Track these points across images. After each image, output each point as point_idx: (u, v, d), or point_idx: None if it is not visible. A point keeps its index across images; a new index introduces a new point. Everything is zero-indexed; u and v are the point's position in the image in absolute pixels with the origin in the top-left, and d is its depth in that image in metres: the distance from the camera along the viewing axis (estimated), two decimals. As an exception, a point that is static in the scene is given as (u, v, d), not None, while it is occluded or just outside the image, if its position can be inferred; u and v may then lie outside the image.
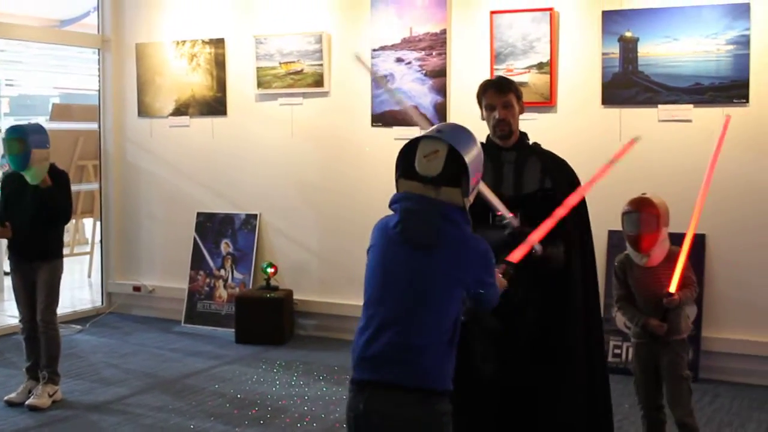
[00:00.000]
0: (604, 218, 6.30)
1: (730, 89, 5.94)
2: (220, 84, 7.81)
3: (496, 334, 3.81)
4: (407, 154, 2.89)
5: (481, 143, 4.00)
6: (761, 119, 5.91)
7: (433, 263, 2.82)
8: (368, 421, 2.82)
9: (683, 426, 4.32)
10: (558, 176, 3.86)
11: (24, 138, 5.52)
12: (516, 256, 3.42)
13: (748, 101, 5.91)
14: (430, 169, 2.83)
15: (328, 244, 7.42)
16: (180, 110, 8.03)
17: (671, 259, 4.31)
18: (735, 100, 5.93)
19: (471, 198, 2.91)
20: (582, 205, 3.96)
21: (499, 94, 3.85)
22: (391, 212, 2.94)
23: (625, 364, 6.16)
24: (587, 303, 4.01)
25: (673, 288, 4.23)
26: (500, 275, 3.22)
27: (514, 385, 3.82)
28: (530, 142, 3.97)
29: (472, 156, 2.91)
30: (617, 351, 6.25)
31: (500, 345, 3.82)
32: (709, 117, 6.02)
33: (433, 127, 2.97)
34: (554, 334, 3.89)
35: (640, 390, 4.45)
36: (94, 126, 8.65)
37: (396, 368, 2.78)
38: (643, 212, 4.27)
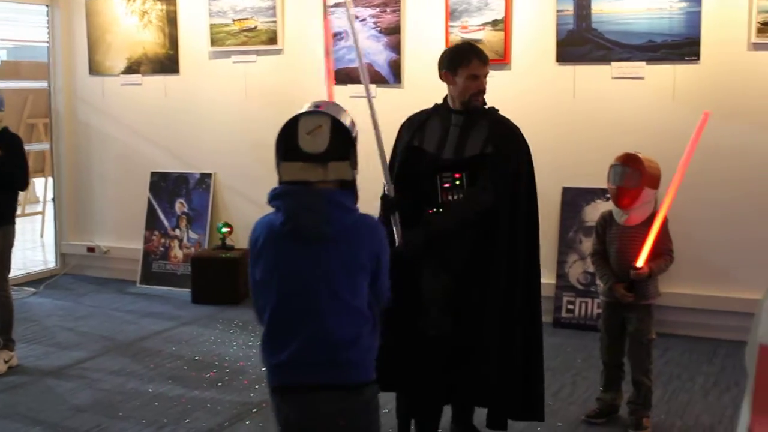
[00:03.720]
0: (557, 175, 6.40)
1: (682, 46, 5.97)
2: (173, 41, 7.68)
3: (448, 293, 3.82)
4: (287, 135, 2.69)
5: (435, 105, 4.01)
6: (712, 76, 5.95)
7: (333, 253, 2.66)
8: (300, 426, 2.73)
9: (637, 384, 4.44)
10: (501, 143, 3.82)
11: None
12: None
13: (699, 59, 5.94)
14: (316, 146, 2.65)
15: (283, 203, 7.36)
16: (132, 68, 7.89)
17: (651, 224, 4.34)
18: (686, 58, 5.96)
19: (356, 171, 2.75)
20: (530, 167, 3.95)
21: (484, 65, 3.87)
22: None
23: (578, 320, 6.27)
24: (530, 266, 3.98)
25: (640, 262, 4.28)
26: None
27: (461, 343, 3.84)
28: (486, 106, 3.93)
29: (353, 129, 2.76)
30: (570, 307, 6.33)
31: (451, 305, 3.83)
32: (661, 74, 6.06)
33: (309, 104, 2.79)
34: (488, 290, 3.86)
35: (603, 347, 4.56)
36: (43, 84, 8.48)
37: (320, 368, 2.65)
38: (627, 166, 4.32)
